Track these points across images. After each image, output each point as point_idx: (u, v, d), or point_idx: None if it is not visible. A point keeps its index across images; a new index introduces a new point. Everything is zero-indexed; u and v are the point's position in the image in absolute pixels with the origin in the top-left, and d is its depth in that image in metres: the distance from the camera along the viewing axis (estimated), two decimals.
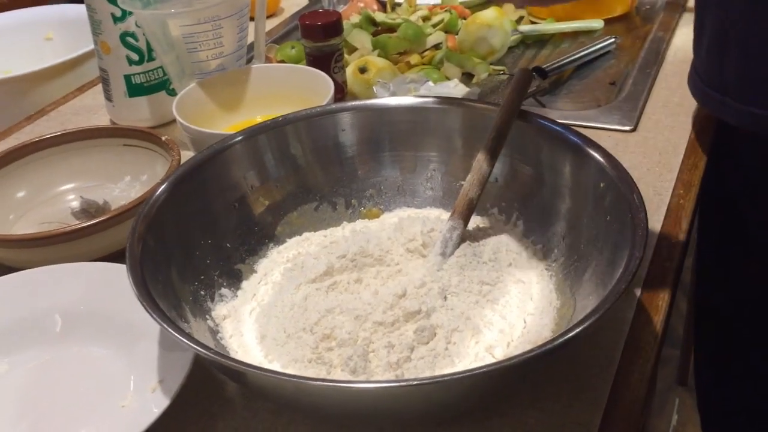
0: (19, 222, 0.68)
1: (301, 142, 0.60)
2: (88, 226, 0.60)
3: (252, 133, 0.58)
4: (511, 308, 0.50)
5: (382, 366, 0.45)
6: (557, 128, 0.55)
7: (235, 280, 0.55)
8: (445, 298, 0.49)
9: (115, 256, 0.61)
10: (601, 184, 0.50)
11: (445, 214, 0.58)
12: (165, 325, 0.42)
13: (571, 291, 0.50)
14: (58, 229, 0.60)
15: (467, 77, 0.88)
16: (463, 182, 0.56)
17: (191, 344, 0.41)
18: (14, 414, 0.49)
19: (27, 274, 0.56)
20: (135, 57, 0.80)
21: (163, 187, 0.53)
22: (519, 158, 0.57)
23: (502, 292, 0.51)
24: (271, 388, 0.42)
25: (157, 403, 0.45)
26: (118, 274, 0.55)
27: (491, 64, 0.89)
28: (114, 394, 0.49)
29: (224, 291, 0.54)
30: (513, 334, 0.48)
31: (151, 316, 0.43)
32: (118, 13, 0.77)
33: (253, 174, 0.58)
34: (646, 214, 0.46)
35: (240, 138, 0.58)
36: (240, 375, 0.42)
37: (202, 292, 0.52)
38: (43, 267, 0.57)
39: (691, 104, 0.77)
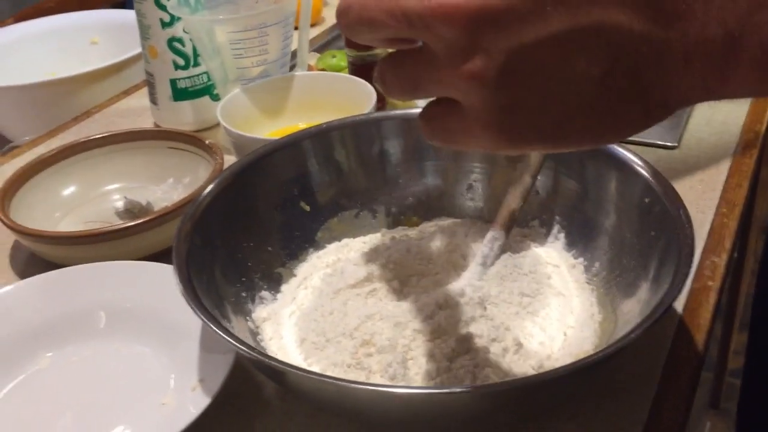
0: (65, 220, 0.69)
1: (346, 148, 0.60)
2: (131, 226, 0.61)
3: (297, 139, 0.59)
4: (551, 321, 0.50)
5: (421, 374, 0.45)
6: None
7: (275, 283, 0.56)
8: (485, 308, 0.49)
9: (157, 257, 0.62)
10: (646, 200, 0.50)
11: (486, 226, 0.58)
12: (209, 323, 0.42)
13: (612, 306, 0.50)
14: (103, 228, 0.61)
15: None
16: (505, 194, 0.56)
17: (234, 343, 0.41)
18: (56, 407, 0.50)
19: (72, 271, 0.57)
20: (181, 62, 0.81)
21: (209, 188, 0.53)
22: (562, 171, 0.57)
23: (543, 304, 0.50)
24: (312, 389, 0.42)
25: (196, 403, 0.46)
26: (162, 273, 0.56)
27: None
28: (154, 392, 0.50)
29: (264, 294, 0.54)
30: (553, 347, 0.48)
31: (196, 313, 0.43)
32: (167, 19, 0.79)
33: (295, 179, 0.59)
34: (692, 230, 0.45)
35: (285, 142, 0.59)
36: (282, 375, 0.42)
37: (243, 294, 0.53)
38: (89, 264, 0.58)
39: (735, 123, 0.76)
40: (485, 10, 0.28)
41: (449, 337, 0.47)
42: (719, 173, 0.69)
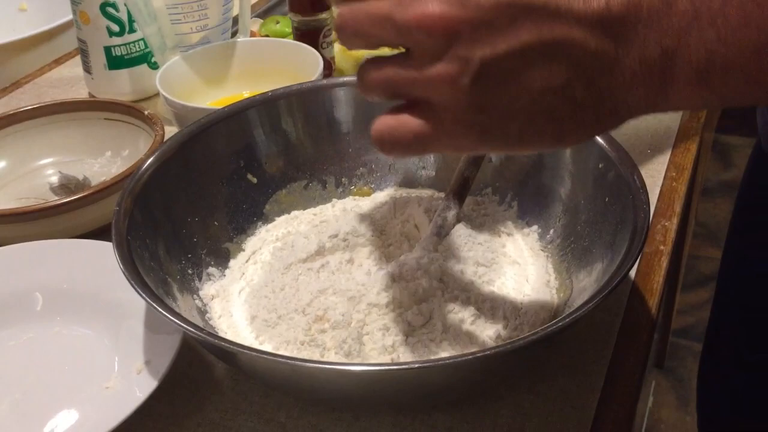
0: None
1: (293, 117, 0.58)
2: (68, 201, 0.58)
3: (241, 108, 0.57)
4: (507, 290, 0.49)
5: (377, 349, 0.44)
6: None
7: (222, 259, 0.54)
8: (441, 279, 0.48)
9: (96, 234, 0.60)
10: (600, 165, 0.49)
11: (439, 195, 0.57)
12: (154, 304, 0.40)
13: (568, 272, 0.50)
14: (37, 204, 0.58)
15: None
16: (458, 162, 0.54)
17: (179, 322, 0.39)
18: None
19: (5, 251, 0.54)
20: (115, 28, 0.77)
21: (149, 161, 0.51)
22: None
23: (498, 273, 0.50)
24: (264, 370, 0.41)
25: (143, 385, 0.44)
26: (101, 251, 0.53)
27: None
28: (98, 375, 0.48)
29: (212, 270, 0.52)
30: (510, 316, 0.47)
31: (140, 294, 0.41)
32: None
33: (241, 150, 0.57)
34: (647, 196, 0.45)
35: (228, 112, 0.56)
36: (232, 356, 0.41)
37: (190, 271, 0.51)
38: (23, 243, 0.55)
39: None
40: (463, 22, 0.32)
41: (405, 310, 0.46)
42: (668, 137, 0.69)
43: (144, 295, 0.41)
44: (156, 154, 0.52)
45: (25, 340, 0.50)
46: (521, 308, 0.48)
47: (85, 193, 0.58)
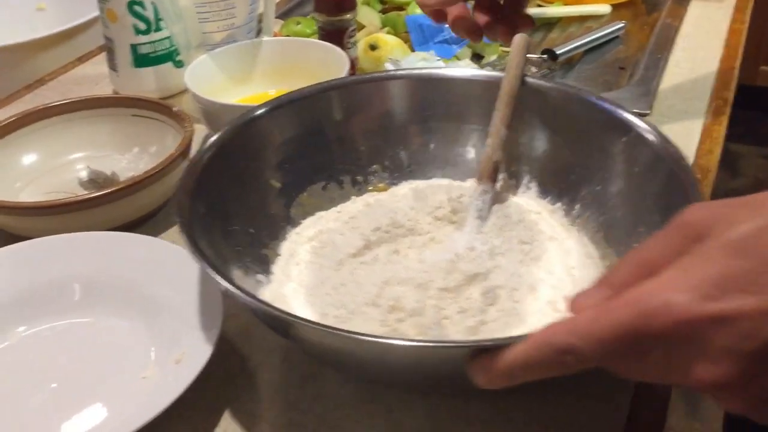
0: (26, 190, 0.66)
1: (313, 119, 0.58)
2: (99, 196, 0.58)
3: (258, 116, 0.56)
4: (554, 264, 0.50)
5: (460, 332, 0.44)
6: (564, 88, 0.56)
7: (265, 265, 0.53)
8: (494, 259, 0.49)
9: (125, 228, 0.60)
10: (624, 138, 0.50)
11: (455, 183, 0.58)
12: (228, 285, 0.40)
13: (606, 241, 0.51)
14: (71, 198, 0.58)
15: (477, 58, 0.87)
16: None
17: (258, 303, 0.40)
18: (30, 384, 0.47)
19: (43, 242, 0.55)
20: (142, 26, 0.78)
21: (183, 179, 0.50)
22: (523, 122, 0.57)
23: (542, 249, 0.51)
24: (354, 350, 0.40)
25: (181, 376, 0.44)
26: (136, 244, 0.54)
27: (500, 45, 0.89)
28: (135, 366, 0.48)
29: (260, 277, 0.52)
30: (565, 288, 0.48)
31: (213, 274, 0.41)
32: None
33: (264, 157, 0.57)
34: (686, 161, 0.46)
35: (246, 120, 0.55)
36: (347, 341, 0.39)
37: (243, 278, 0.51)
38: (60, 235, 0.55)
39: (702, 91, 0.77)
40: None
41: (474, 292, 0.46)
42: (691, 139, 0.70)
43: (217, 277, 0.41)
44: (185, 173, 0.50)
45: (63, 329, 0.51)
46: (573, 280, 0.48)
47: (116, 188, 0.59)
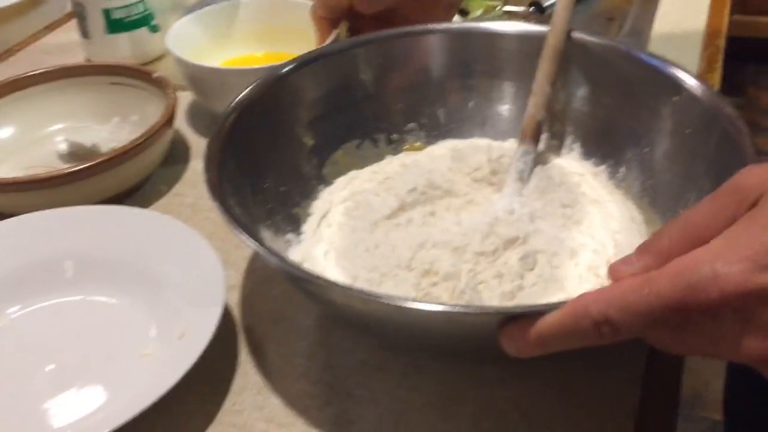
0: (3, 165, 0.63)
1: (345, 76, 0.56)
2: (83, 168, 0.56)
3: (288, 71, 0.54)
4: (596, 228, 0.48)
5: (496, 297, 0.43)
6: (611, 43, 0.54)
7: (295, 224, 0.52)
8: (534, 222, 0.48)
9: (111, 201, 0.58)
10: (675, 98, 0.48)
11: (495, 143, 0.56)
12: (263, 251, 0.39)
13: (652, 206, 0.50)
14: (53, 171, 0.55)
15: (462, 14, 0.85)
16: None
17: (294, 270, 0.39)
18: (27, 366, 0.45)
19: (30, 218, 0.52)
20: None
21: (218, 130, 0.48)
22: (568, 78, 0.55)
23: (584, 213, 0.49)
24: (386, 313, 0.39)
25: (185, 352, 0.42)
26: (128, 217, 0.52)
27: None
28: (134, 344, 0.46)
29: (290, 236, 0.51)
30: (607, 253, 0.46)
31: (242, 235, 0.40)
32: None
33: (296, 112, 0.55)
34: (743, 123, 0.44)
35: (276, 76, 0.53)
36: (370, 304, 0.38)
37: (273, 237, 0.50)
38: (46, 210, 0.52)
39: (695, 39, 0.76)
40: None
41: (512, 256, 0.45)
42: None
43: (252, 243, 0.40)
44: (221, 123, 0.49)
45: (57, 309, 0.49)
46: (616, 245, 0.47)
47: (100, 160, 0.56)
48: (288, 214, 0.52)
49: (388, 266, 0.46)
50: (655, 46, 0.76)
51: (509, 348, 0.34)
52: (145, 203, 0.59)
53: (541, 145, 0.56)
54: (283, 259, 0.41)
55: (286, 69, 0.54)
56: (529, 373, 0.44)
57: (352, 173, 0.56)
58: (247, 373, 0.45)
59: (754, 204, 0.30)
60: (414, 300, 0.42)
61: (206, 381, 0.45)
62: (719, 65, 0.72)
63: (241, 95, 0.51)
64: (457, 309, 0.37)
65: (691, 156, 0.48)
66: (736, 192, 0.31)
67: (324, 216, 0.52)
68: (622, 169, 0.53)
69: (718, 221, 0.31)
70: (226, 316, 0.48)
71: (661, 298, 0.30)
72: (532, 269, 0.45)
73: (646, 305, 0.30)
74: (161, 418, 0.42)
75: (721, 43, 0.75)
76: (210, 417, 0.43)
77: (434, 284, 0.44)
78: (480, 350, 0.41)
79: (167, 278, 0.48)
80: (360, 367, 0.45)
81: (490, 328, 0.35)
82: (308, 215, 0.53)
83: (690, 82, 0.49)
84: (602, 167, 0.54)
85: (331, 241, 0.50)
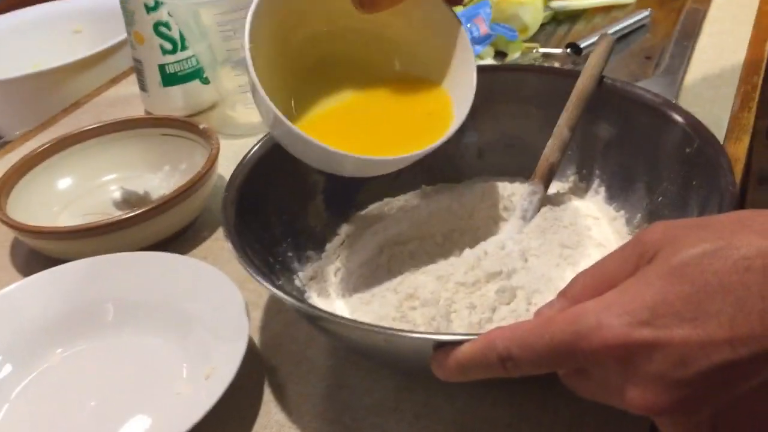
0: (63, 213, 0.69)
1: None
2: (132, 216, 0.60)
3: None
4: None
5: (464, 326, 0.45)
6: (639, 92, 0.55)
7: (319, 242, 0.56)
8: (526, 260, 0.49)
9: (159, 246, 0.62)
10: (687, 150, 0.49)
11: (525, 182, 0.58)
12: (268, 285, 0.43)
13: None
14: (104, 220, 0.60)
15: (500, 56, 0.87)
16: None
17: (295, 302, 0.42)
18: (71, 403, 0.49)
19: (76, 265, 0.57)
20: (168, 46, 0.80)
21: (254, 150, 0.53)
22: (599, 124, 0.56)
23: (583, 255, 0.51)
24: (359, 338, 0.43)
25: (211, 390, 0.45)
26: (168, 262, 0.55)
27: (523, 41, 0.88)
28: (168, 382, 0.50)
29: (310, 253, 0.55)
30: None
31: (255, 277, 0.44)
32: (151, 3, 0.77)
33: None
34: (734, 177, 0.45)
35: None
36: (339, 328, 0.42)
37: (290, 254, 0.54)
38: (93, 257, 0.57)
39: (730, 77, 0.75)
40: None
41: (490, 289, 0.47)
42: (719, 129, 0.69)
43: (260, 279, 0.43)
44: (260, 143, 0.54)
45: (99, 349, 0.53)
46: None
47: (148, 208, 0.61)
48: (313, 232, 0.56)
49: (379, 288, 0.50)
50: (689, 84, 0.76)
51: (437, 372, 0.37)
52: (187, 248, 0.63)
53: (567, 187, 0.58)
54: (278, 286, 0.44)
55: None
56: (539, 414, 0.45)
57: (387, 200, 0.59)
58: (269, 412, 0.48)
59: (651, 259, 0.31)
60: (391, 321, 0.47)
61: (231, 418, 0.48)
62: (754, 104, 0.71)
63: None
64: (389, 332, 0.40)
65: (695, 208, 0.48)
66: (638, 245, 0.32)
67: (348, 236, 0.56)
68: (639, 216, 0.54)
69: (623, 271, 0.32)
70: (253, 356, 0.51)
71: (553, 341, 0.31)
72: (508, 304, 0.46)
73: (542, 346, 0.32)
74: None
75: (758, 80, 0.74)
76: None
77: (413, 308, 0.47)
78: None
79: (198, 320, 0.51)
80: (376, 408, 0.47)
81: (425, 352, 0.37)
82: (335, 235, 0.57)
83: (696, 136, 0.49)
84: (621, 212, 0.55)
85: (345, 260, 0.54)
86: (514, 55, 0.86)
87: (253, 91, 0.45)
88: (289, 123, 0.45)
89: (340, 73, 0.53)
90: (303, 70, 0.53)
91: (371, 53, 0.54)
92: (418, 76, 0.53)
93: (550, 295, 0.47)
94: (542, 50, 0.87)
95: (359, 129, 0.51)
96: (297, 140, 0.46)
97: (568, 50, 0.85)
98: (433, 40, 0.52)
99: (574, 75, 0.56)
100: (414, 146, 0.48)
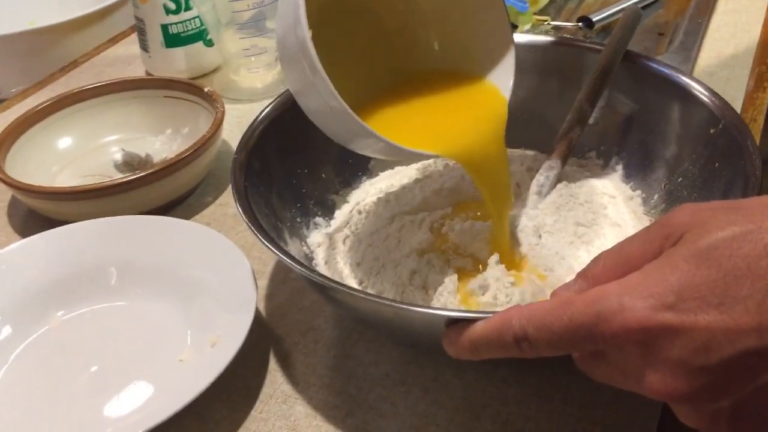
0: (62, 174, 0.67)
1: None
2: (135, 179, 0.59)
3: None
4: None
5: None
6: (664, 69, 0.53)
7: (328, 209, 0.56)
8: (540, 236, 0.49)
9: (161, 210, 0.61)
10: (712, 130, 0.48)
11: (541, 155, 0.57)
12: (274, 249, 0.42)
13: None
14: (106, 182, 0.59)
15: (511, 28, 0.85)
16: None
17: (298, 266, 0.41)
18: (71, 366, 0.48)
19: (78, 227, 0.55)
20: (172, 6, 0.78)
21: (265, 112, 0.52)
22: (621, 100, 0.55)
23: (598, 234, 0.50)
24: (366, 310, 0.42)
25: (217, 359, 0.44)
26: (172, 227, 0.54)
27: (534, 14, 0.87)
28: (171, 348, 0.48)
29: (318, 219, 0.54)
30: None
31: (261, 240, 0.43)
32: None
33: None
34: (760, 161, 0.43)
35: None
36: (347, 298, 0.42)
37: (299, 219, 0.53)
38: (95, 219, 0.55)
39: (745, 56, 0.74)
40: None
41: (505, 266, 0.46)
42: (735, 107, 0.67)
43: (266, 243, 0.42)
44: (271, 106, 0.53)
45: (101, 313, 0.52)
46: None
47: (151, 171, 0.59)
48: (323, 199, 0.55)
49: (389, 258, 0.49)
50: (703, 62, 0.75)
51: (448, 350, 0.36)
52: (190, 213, 0.62)
53: (585, 164, 0.57)
54: (287, 252, 0.43)
55: None
56: (549, 392, 0.45)
57: (398, 168, 0.58)
58: (274, 382, 0.47)
59: (677, 241, 0.30)
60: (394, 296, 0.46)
61: (236, 387, 0.47)
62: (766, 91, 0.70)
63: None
64: (402, 306, 0.39)
65: (712, 190, 0.47)
66: (664, 227, 0.31)
67: (358, 204, 0.55)
68: (656, 197, 0.53)
69: (647, 253, 0.31)
70: (259, 325, 0.50)
71: (572, 322, 0.30)
72: (522, 282, 0.46)
73: (560, 327, 0.31)
74: (190, 422, 0.45)
75: None
76: (236, 423, 0.45)
77: (423, 280, 0.47)
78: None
79: (203, 286, 0.50)
80: (383, 380, 0.46)
81: (438, 328, 0.37)
82: (345, 202, 0.56)
83: (723, 117, 0.48)
84: (638, 192, 0.54)
85: (355, 228, 0.53)
86: (524, 28, 0.84)
87: (312, 70, 0.40)
88: (355, 115, 0.41)
89: (381, 55, 0.51)
90: (348, 47, 0.50)
91: (412, 30, 0.52)
92: (459, 68, 0.51)
93: (563, 273, 0.46)
94: (553, 23, 0.85)
95: (410, 121, 0.48)
96: (349, 126, 0.42)
97: (580, 24, 0.83)
98: (473, 17, 0.50)
99: (596, 49, 0.55)
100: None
